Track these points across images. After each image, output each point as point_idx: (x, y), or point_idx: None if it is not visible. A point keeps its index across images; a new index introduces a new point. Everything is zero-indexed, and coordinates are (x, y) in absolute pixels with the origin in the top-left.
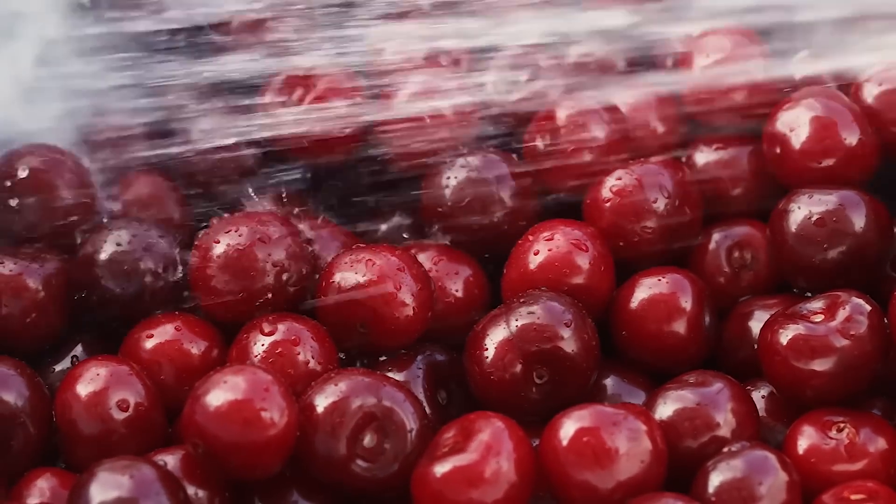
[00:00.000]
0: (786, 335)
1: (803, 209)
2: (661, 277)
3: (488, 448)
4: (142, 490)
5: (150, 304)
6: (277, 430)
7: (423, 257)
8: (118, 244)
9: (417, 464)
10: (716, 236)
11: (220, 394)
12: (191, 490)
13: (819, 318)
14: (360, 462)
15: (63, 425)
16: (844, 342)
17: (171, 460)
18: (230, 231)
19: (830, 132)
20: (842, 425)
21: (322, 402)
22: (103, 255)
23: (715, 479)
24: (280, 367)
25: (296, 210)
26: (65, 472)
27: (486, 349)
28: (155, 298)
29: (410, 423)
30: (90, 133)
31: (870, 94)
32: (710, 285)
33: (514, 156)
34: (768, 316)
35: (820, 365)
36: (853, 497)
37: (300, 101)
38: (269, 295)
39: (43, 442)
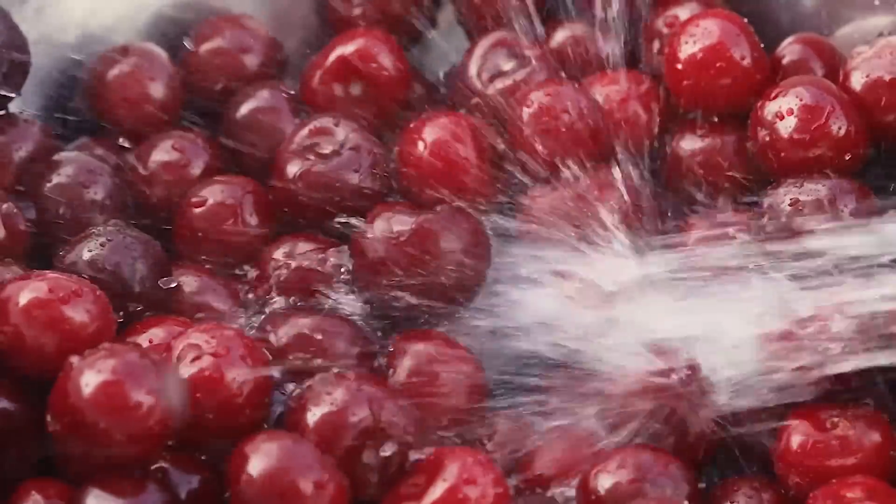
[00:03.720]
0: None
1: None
2: None
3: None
4: (138, 502)
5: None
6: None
7: None
8: (101, 245)
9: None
10: None
11: None
12: None
13: None
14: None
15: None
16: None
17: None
18: None
19: (819, 121)
20: (835, 420)
21: (315, 416)
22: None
23: None
24: None
25: None
26: (61, 483)
27: None
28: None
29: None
30: None
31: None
32: None
33: None
34: None
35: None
36: (849, 494)
37: None
38: None
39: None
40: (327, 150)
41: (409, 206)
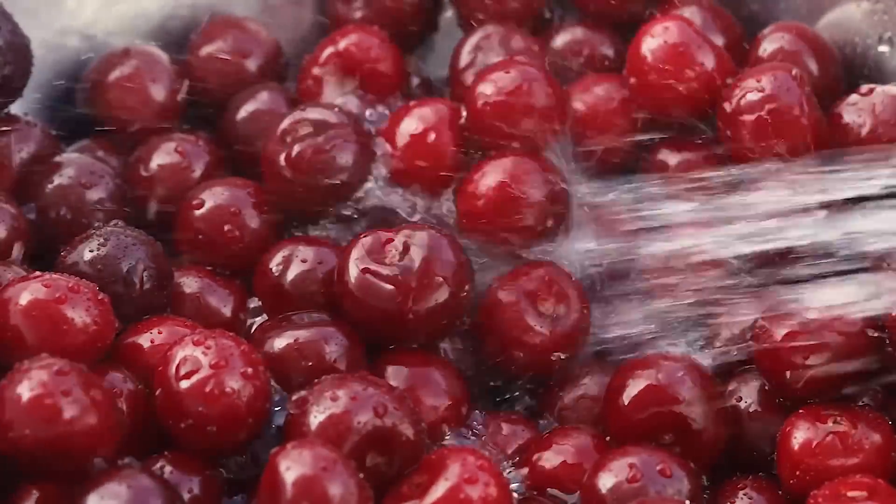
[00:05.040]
0: (781, 330)
1: None
2: None
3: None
4: (139, 501)
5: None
6: None
7: None
8: (103, 246)
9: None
10: None
11: None
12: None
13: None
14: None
15: None
16: (839, 336)
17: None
18: None
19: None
20: (837, 419)
21: (318, 418)
22: (86, 260)
23: None
24: None
25: None
26: (61, 483)
27: None
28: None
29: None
30: None
31: None
32: None
33: None
34: None
35: (815, 359)
36: (850, 494)
37: None
38: None
39: None
40: (306, 131)
41: (388, 237)
